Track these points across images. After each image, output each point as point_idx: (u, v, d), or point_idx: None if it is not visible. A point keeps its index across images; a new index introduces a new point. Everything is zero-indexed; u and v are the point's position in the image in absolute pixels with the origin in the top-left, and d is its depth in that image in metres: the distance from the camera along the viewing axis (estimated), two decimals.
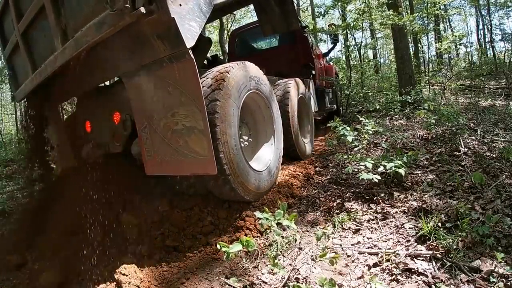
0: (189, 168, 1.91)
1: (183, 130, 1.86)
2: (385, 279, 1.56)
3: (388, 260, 1.66)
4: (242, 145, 2.58)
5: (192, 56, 1.73)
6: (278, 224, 1.67)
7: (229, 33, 8.22)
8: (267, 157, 2.77)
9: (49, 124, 3.24)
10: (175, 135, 1.90)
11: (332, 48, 6.93)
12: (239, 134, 2.34)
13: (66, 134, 3.02)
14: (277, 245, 1.83)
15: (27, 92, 2.76)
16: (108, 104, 2.58)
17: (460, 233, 1.76)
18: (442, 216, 1.96)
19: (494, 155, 2.98)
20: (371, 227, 2.09)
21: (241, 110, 2.38)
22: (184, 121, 1.85)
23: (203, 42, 3.43)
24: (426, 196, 2.32)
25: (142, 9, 1.59)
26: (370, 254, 1.77)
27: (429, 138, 3.85)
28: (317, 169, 3.49)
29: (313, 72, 5.44)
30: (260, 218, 1.67)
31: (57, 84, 2.63)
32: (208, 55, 4.39)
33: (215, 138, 2.01)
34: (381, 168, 2.55)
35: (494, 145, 3.33)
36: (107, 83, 3.05)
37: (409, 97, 5.87)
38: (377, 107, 6.49)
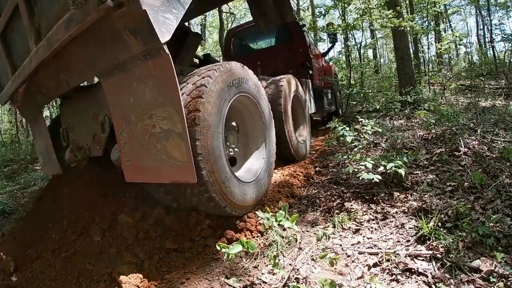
0: (168, 175, 1.76)
1: (161, 133, 1.72)
2: (385, 279, 1.56)
3: (388, 260, 1.66)
4: (232, 152, 2.44)
5: (168, 52, 1.60)
6: (279, 224, 1.67)
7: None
8: (257, 164, 2.56)
9: (33, 127, 3.11)
10: (152, 138, 1.75)
11: (331, 48, 6.88)
12: (225, 146, 2.14)
13: (50, 139, 2.86)
14: (277, 245, 1.83)
15: (9, 95, 2.66)
16: (88, 105, 2.46)
17: (460, 233, 1.76)
18: (442, 216, 1.97)
19: (494, 155, 2.98)
20: (371, 227, 2.09)
21: (227, 115, 2.19)
22: (161, 123, 1.70)
23: (191, 37, 3.33)
24: (426, 196, 2.32)
25: (110, 2, 1.47)
26: (370, 254, 1.77)
27: (429, 138, 3.84)
28: (317, 169, 3.49)
29: (311, 71, 5.37)
30: (261, 218, 1.67)
31: (37, 86, 2.55)
32: (203, 54, 4.36)
33: (194, 141, 1.82)
34: (381, 168, 2.55)
35: (494, 145, 3.33)
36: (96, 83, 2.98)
37: (409, 97, 5.88)
38: (377, 107, 6.49)
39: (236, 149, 2.52)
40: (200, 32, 16.57)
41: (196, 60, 4.08)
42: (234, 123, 2.57)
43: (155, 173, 1.80)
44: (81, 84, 2.61)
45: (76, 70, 2.12)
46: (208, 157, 1.89)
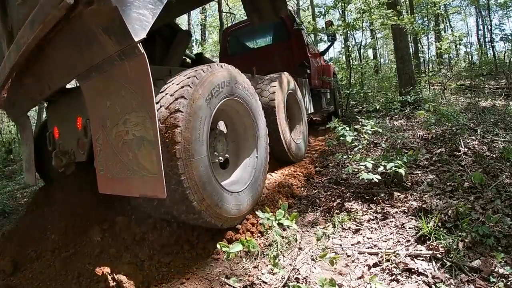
0: (138, 187, 1.63)
1: (133, 140, 1.59)
2: (385, 279, 1.56)
3: (388, 260, 1.66)
4: (222, 159, 2.35)
5: (143, 51, 1.49)
6: (279, 224, 1.67)
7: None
8: (251, 164, 2.45)
9: (21, 132, 3.00)
10: (125, 146, 1.63)
11: (330, 46, 6.82)
12: (210, 157, 2.00)
13: (33, 146, 2.72)
14: (277, 245, 1.83)
15: None
16: (72, 108, 2.37)
17: (460, 233, 1.77)
18: (442, 216, 1.97)
19: (494, 155, 2.98)
20: (371, 227, 2.09)
21: (212, 125, 2.07)
22: (134, 130, 1.58)
23: (180, 35, 3.15)
24: (426, 196, 2.32)
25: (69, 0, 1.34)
26: (370, 254, 1.77)
27: (429, 138, 3.85)
28: (317, 169, 3.49)
29: (308, 71, 5.31)
30: (261, 218, 1.67)
31: (21, 89, 2.46)
32: (195, 53, 4.30)
33: (179, 176, 1.72)
34: (381, 168, 2.55)
35: (494, 145, 3.33)
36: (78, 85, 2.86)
37: (409, 97, 5.88)
38: (377, 107, 6.49)
39: (226, 155, 2.41)
40: (192, 31, 16.40)
41: (189, 60, 4.03)
42: (221, 124, 2.47)
43: (126, 185, 1.68)
44: (66, 86, 2.56)
45: (56, 73, 2.02)
46: (196, 188, 1.80)
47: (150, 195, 1.60)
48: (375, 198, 2.44)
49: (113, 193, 1.78)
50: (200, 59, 4.04)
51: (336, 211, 2.37)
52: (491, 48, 15.42)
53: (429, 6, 10.90)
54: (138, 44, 1.49)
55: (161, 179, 1.51)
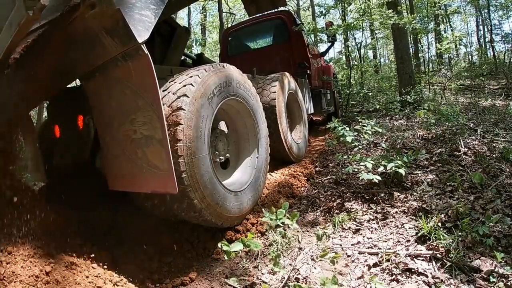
0: (148, 184, 1.67)
1: (142, 139, 1.63)
2: (385, 279, 1.56)
3: (388, 260, 1.66)
4: (223, 158, 2.34)
5: (147, 52, 1.51)
6: (278, 224, 1.67)
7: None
8: (252, 164, 2.47)
9: (22, 133, 3.05)
10: (133, 145, 1.67)
11: (330, 47, 6.84)
12: (211, 156, 2.02)
13: (38, 145, 2.82)
14: (278, 245, 1.83)
15: None
16: (74, 107, 2.36)
17: (460, 233, 1.76)
18: (442, 216, 1.97)
19: (494, 155, 2.98)
20: (371, 227, 2.09)
21: (213, 124, 2.08)
22: (142, 129, 1.62)
23: (179, 32, 3.10)
24: (426, 196, 2.32)
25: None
26: (370, 254, 1.77)
27: (429, 138, 3.85)
28: (317, 169, 3.49)
29: (308, 71, 5.31)
30: (266, 216, 1.67)
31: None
32: (196, 54, 4.27)
33: (180, 173, 1.72)
34: (381, 168, 2.55)
35: (494, 145, 3.33)
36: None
37: (409, 97, 5.88)
38: (377, 107, 6.49)
39: (227, 155, 2.41)
40: (192, 31, 16.24)
41: (189, 60, 4.02)
42: (222, 124, 2.47)
43: (136, 182, 1.72)
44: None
45: (58, 74, 1.97)
46: (198, 186, 1.80)
47: (161, 191, 1.65)
48: (375, 198, 2.44)
49: (124, 190, 1.82)
50: (200, 59, 4.04)
51: (336, 211, 2.37)
52: (491, 48, 15.41)
53: (429, 6, 10.90)
54: (142, 45, 1.51)
55: (172, 175, 1.56)
